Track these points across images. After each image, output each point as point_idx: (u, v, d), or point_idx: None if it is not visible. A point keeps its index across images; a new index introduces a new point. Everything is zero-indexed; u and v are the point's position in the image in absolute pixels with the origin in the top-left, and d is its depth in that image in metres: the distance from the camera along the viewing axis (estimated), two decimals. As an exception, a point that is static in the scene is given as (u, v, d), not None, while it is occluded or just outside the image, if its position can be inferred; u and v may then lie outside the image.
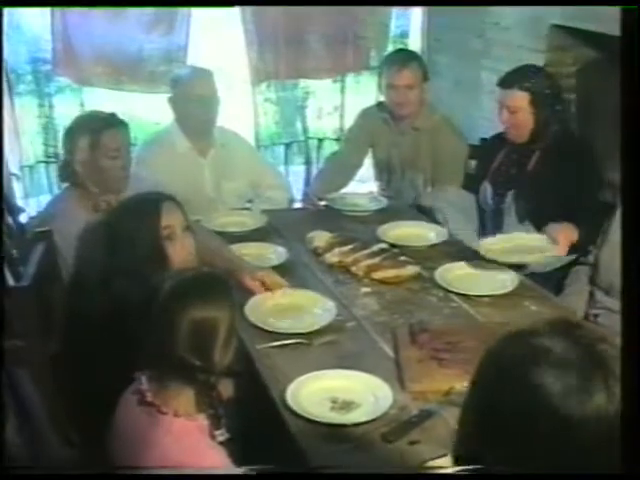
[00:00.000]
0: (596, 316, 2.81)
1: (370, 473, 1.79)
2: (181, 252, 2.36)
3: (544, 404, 1.16)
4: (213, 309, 1.85)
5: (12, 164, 4.41)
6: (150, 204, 2.36)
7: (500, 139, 3.42)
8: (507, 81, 3.26)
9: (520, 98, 3.21)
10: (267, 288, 2.66)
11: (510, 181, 3.32)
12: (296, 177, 5.24)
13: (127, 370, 1.96)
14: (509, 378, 1.21)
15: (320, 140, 5.42)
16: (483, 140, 3.71)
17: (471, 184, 3.52)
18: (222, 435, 1.89)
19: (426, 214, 3.43)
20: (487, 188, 3.39)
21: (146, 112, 5.23)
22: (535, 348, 1.19)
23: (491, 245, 2.90)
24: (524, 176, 3.27)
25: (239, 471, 1.83)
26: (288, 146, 5.44)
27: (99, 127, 2.99)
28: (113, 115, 3.05)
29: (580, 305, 2.87)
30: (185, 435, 1.85)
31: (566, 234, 2.93)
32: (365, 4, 4.70)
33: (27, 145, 4.47)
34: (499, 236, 2.98)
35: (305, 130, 5.47)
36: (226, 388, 1.97)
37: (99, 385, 2.13)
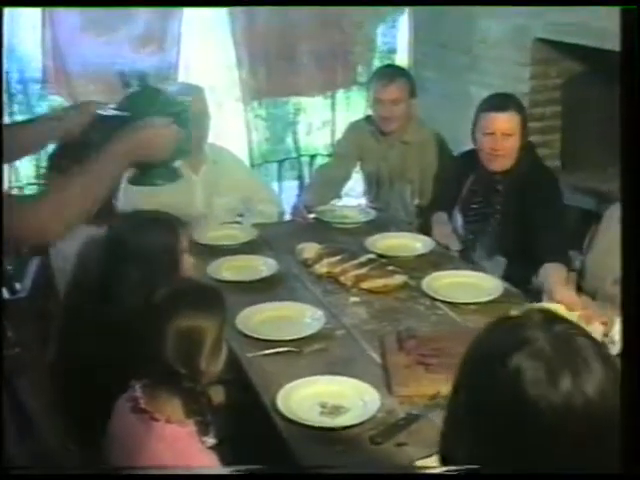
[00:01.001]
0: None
1: (362, 473, 1.84)
2: (188, 266, 2.45)
3: (524, 393, 1.18)
4: (200, 319, 1.90)
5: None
6: (170, 221, 2.44)
7: (470, 159, 3.37)
8: (499, 104, 3.21)
9: (515, 120, 3.17)
10: None
11: (479, 213, 3.32)
12: (289, 193, 5.30)
13: (122, 377, 2.00)
14: (490, 367, 1.23)
15: (312, 156, 5.49)
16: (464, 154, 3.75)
17: (444, 198, 3.56)
18: (210, 441, 1.93)
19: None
20: (458, 218, 3.41)
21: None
22: (516, 336, 1.22)
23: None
24: (492, 209, 3.28)
25: (230, 472, 1.88)
26: (281, 163, 5.50)
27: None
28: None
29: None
30: (177, 441, 1.89)
31: (558, 275, 2.88)
32: (354, 4, 4.75)
33: (18, 165, 4.51)
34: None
35: (297, 146, 5.54)
36: (216, 395, 2.03)
37: (95, 392, 2.17)
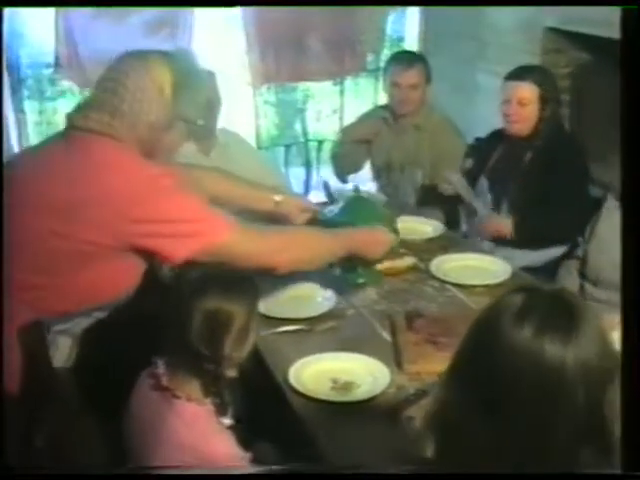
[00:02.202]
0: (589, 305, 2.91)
1: (373, 473, 1.89)
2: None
3: (520, 359, 1.23)
4: (228, 303, 1.90)
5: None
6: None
7: (496, 137, 3.53)
8: (519, 74, 3.35)
9: (532, 91, 3.30)
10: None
11: (506, 175, 3.42)
12: (296, 179, 5.35)
13: (146, 353, 2.04)
14: (484, 336, 1.28)
15: (320, 142, 5.53)
16: (478, 140, 3.81)
17: (467, 181, 3.62)
18: (227, 421, 1.97)
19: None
20: (484, 183, 3.50)
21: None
22: (503, 303, 1.28)
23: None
24: (519, 171, 3.38)
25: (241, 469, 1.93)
26: (288, 148, 5.54)
27: None
28: None
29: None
30: (196, 419, 1.92)
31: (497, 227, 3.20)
32: (364, 4, 4.79)
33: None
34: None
35: (305, 132, 5.57)
36: (233, 378, 2.05)
37: (119, 365, 2.22)
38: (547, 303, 1.27)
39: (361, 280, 2.69)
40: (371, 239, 2.52)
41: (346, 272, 2.67)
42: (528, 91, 3.31)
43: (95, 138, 2.11)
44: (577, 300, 1.32)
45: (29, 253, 2.05)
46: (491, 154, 3.53)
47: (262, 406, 2.26)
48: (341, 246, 2.45)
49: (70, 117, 2.17)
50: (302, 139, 5.59)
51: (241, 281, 1.99)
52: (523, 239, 3.26)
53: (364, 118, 4.16)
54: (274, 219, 2.77)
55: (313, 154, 5.53)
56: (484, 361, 1.27)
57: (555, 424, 1.22)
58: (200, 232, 2.08)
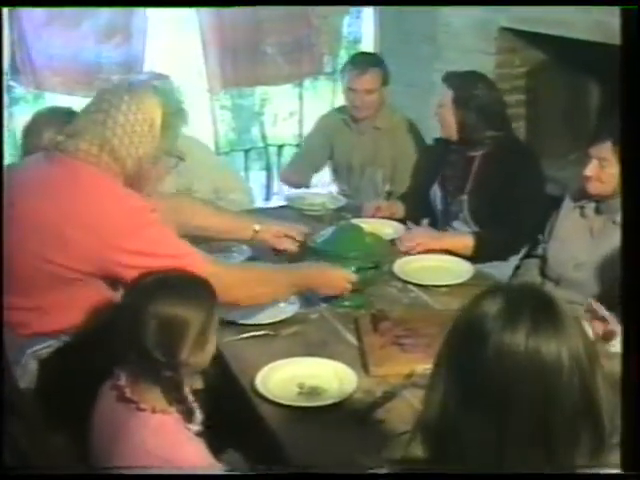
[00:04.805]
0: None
1: (357, 474, 1.88)
2: None
3: (501, 360, 1.22)
4: (183, 308, 1.87)
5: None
6: None
7: (441, 142, 3.50)
8: (442, 78, 3.37)
9: (445, 94, 3.31)
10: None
11: (457, 186, 3.39)
12: (256, 183, 5.33)
13: (107, 364, 1.99)
14: (470, 339, 1.26)
15: (280, 147, 5.52)
16: (436, 141, 3.82)
17: (422, 182, 3.62)
18: (195, 428, 1.95)
19: None
20: (436, 192, 3.49)
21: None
22: (493, 307, 1.26)
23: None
24: (468, 181, 3.35)
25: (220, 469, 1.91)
26: (247, 152, 5.53)
27: (62, 121, 3.01)
28: (71, 109, 3.09)
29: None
30: (163, 429, 1.88)
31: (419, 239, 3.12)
32: (322, 4, 4.78)
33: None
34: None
35: (263, 136, 5.56)
36: (196, 384, 2.03)
37: (80, 378, 2.17)
38: (528, 301, 1.27)
39: (347, 303, 2.69)
40: (325, 278, 2.55)
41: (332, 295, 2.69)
42: (443, 95, 3.32)
43: (82, 165, 2.12)
44: (550, 293, 1.32)
45: (14, 274, 2.04)
46: (440, 160, 3.50)
47: (229, 413, 2.24)
48: (294, 283, 2.50)
49: (58, 142, 2.17)
50: (261, 144, 5.58)
51: (197, 286, 1.96)
52: (485, 255, 3.15)
53: (323, 120, 4.15)
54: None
55: (273, 159, 5.52)
56: (475, 368, 1.25)
57: (556, 419, 1.22)
58: (181, 268, 2.08)
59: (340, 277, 2.56)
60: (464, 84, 3.28)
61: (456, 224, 3.40)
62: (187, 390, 1.97)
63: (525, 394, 1.22)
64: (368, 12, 5.22)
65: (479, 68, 3.96)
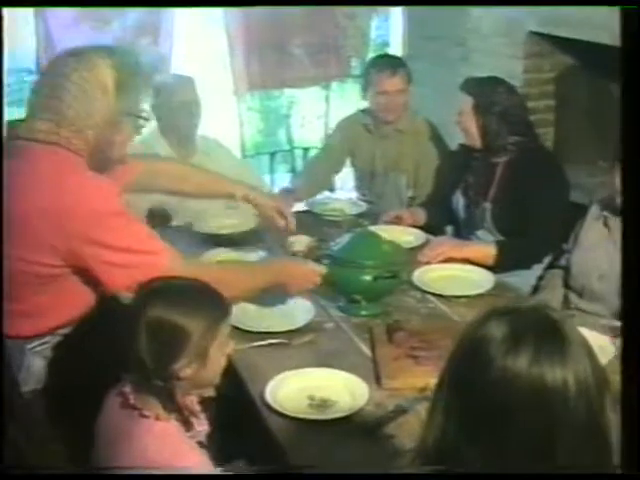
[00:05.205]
0: (571, 317, 2.85)
1: (355, 473, 1.84)
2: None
3: (507, 382, 1.19)
4: (181, 317, 1.81)
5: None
6: None
7: (465, 149, 3.42)
8: (461, 85, 3.30)
9: (465, 102, 3.23)
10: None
11: (480, 193, 3.32)
12: (281, 185, 5.28)
13: (115, 370, 1.97)
14: (475, 361, 1.23)
15: (305, 149, 5.48)
16: (460, 146, 3.76)
17: (445, 189, 3.56)
18: (195, 437, 1.91)
19: None
20: (459, 199, 3.42)
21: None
22: (501, 330, 1.22)
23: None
24: (491, 188, 3.27)
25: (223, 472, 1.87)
26: (273, 155, 5.49)
27: None
28: None
29: (555, 306, 2.91)
30: (166, 437, 1.85)
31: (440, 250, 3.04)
32: (349, 4, 4.73)
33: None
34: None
35: (290, 139, 5.52)
36: (208, 392, 1.99)
37: (87, 382, 2.15)
38: (534, 325, 1.23)
39: (364, 313, 2.64)
40: (296, 272, 2.48)
41: (349, 303, 2.64)
42: (463, 102, 3.24)
43: (42, 148, 2.05)
44: (560, 315, 1.28)
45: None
46: (463, 167, 3.43)
47: (237, 423, 2.20)
48: (266, 280, 2.43)
49: (14, 127, 2.13)
50: (287, 146, 5.55)
51: (202, 297, 1.89)
52: (508, 264, 3.07)
53: (342, 125, 4.09)
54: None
55: (299, 162, 5.48)
56: (477, 392, 1.22)
57: (560, 447, 1.19)
58: (145, 264, 2.04)
59: (310, 271, 2.48)
60: (484, 90, 3.22)
61: (480, 233, 3.32)
62: (190, 400, 1.93)
63: (528, 422, 1.18)
64: (396, 14, 5.17)
65: (507, 72, 3.91)
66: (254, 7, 4.64)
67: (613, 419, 1.21)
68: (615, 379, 1.29)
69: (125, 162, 2.27)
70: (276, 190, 4.58)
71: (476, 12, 4.30)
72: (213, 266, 2.54)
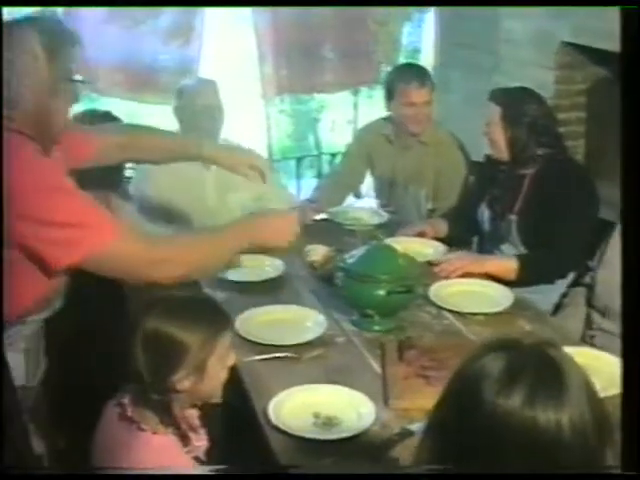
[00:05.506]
0: (592, 337, 2.78)
1: (352, 474, 1.79)
2: None
3: (504, 418, 1.15)
4: (178, 330, 1.78)
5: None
6: None
7: (491, 160, 3.33)
8: (488, 95, 3.21)
9: (493, 112, 3.14)
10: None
11: (506, 206, 3.22)
12: (307, 191, 5.24)
13: (112, 381, 1.94)
14: (474, 392, 1.19)
15: (333, 155, 5.43)
16: (486, 157, 3.68)
17: (469, 201, 3.48)
18: (192, 452, 1.87)
19: None
20: (484, 212, 3.34)
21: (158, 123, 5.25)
22: (502, 363, 1.18)
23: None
24: (518, 201, 3.18)
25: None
26: (300, 160, 5.45)
27: (99, 124, 2.96)
28: (108, 113, 3.04)
29: (577, 326, 2.83)
30: (163, 451, 1.82)
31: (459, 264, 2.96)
32: (376, 4, 4.67)
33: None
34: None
35: (317, 144, 5.48)
36: (215, 399, 1.95)
37: (85, 393, 2.12)
38: (533, 364, 1.18)
39: (377, 328, 2.57)
40: (269, 229, 2.34)
41: (362, 317, 2.58)
42: (490, 112, 3.15)
43: (7, 137, 1.99)
44: (561, 354, 1.22)
45: None
46: (488, 179, 3.34)
47: (238, 439, 2.15)
48: (238, 239, 2.28)
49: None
50: (315, 151, 5.50)
51: (201, 310, 1.86)
52: (530, 279, 2.99)
53: (362, 135, 4.02)
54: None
55: (326, 167, 5.43)
56: (468, 430, 1.19)
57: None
58: (84, 239, 1.97)
59: (284, 224, 2.36)
60: (513, 100, 3.13)
61: (504, 247, 3.23)
62: (189, 414, 1.90)
63: (518, 461, 1.13)
64: (429, 21, 5.09)
65: (538, 83, 3.83)
66: (283, 7, 4.60)
67: (611, 454, 1.17)
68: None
69: (68, 129, 2.21)
70: (302, 196, 4.55)
71: (508, 21, 4.21)
72: (175, 239, 2.36)
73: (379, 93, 5.24)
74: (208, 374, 1.83)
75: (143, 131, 2.80)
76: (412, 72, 3.75)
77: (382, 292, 2.49)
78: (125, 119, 3.56)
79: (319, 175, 5.39)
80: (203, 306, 1.89)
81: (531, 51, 4.08)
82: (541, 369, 1.17)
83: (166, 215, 3.62)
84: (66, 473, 1.58)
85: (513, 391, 1.14)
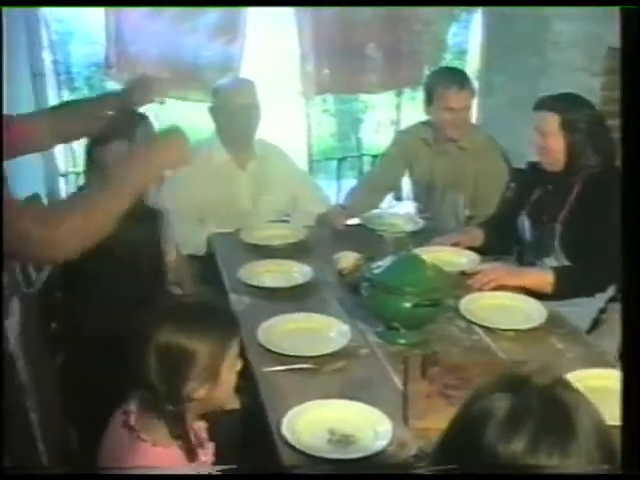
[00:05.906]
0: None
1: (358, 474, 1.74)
2: None
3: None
4: (188, 339, 1.74)
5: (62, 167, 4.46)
6: None
7: (536, 168, 3.22)
8: (538, 103, 3.08)
9: (550, 121, 3.01)
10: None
11: (550, 215, 3.10)
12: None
13: (121, 388, 1.90)
14: (466, 438, 1.15)
15: (374, 156, 5.33)
16: (530, 164, 3.56)
17: (509, 209, 3.37)
18: (197, 469, 1.81)
19: None
20: (524, 221, 3.22)
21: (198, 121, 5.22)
22: (485, 410, 1.12)
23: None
24: (564, 210, 3.06)
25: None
26: (341, 161, 5.37)
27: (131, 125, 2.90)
28: (142, 114, 2.99)
29: (613, 343, 2.71)
30: (160, 463, 1.77)
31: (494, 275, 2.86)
32: (418, 4, 4.56)
33: (76, 149, 4.48)
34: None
35: (359, 144, 5.39)
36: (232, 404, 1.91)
37: (95, 400, 2.09)
38: (540, 408, 1.11)
39: (402, 341, 2.49)
40: (162, 146, 2.11)
41: (387, 329, 2.50)
42: (546, 121, 3.02)
43: None
44: (572, 395, 1.15)
45: None
46: (531, 187, 3.22)
47: (248, 453, 2.09)
48: (139, 178, 2.03)
49: None
50: (356, 152, 5.42)
51: (210, 317, 1.82)
52: (566, 293, 2.88)
53: (400, 138, 3.93)
54: None
55: (367, 168, 5.34)
56: (465, 465, 1.13)
57: None
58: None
59: (173, 143, 2.12)
60: (569, 107, 3.02)
61: (546, 258, 3.12)
62: (197, 426, 1.85)
63: None
64: (476, 22, 4.97)
65: (584, 88, 3.70)
66: (327, 7, 4.52)
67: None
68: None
69: None
70: (342, 197, 4.47)
71: (556, 25, 4.08)
72: (72, 204, 2.16)
73: (421, 95, 5.16)
74: (221, 380, 1.80)
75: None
76: (452, 76, 3.65)
77: (408, 304, 2.40)
78: (168, 119, 3.51)
79: (360, 176, 5.31)
80: (214, 313, 1.85)
81: (578, 55, 3.96)
82: (549, 415, 1.10)
83: (199, 216, 3.58)
84: (66, 473, 1.54)
85: (516, 437, 1.08)
